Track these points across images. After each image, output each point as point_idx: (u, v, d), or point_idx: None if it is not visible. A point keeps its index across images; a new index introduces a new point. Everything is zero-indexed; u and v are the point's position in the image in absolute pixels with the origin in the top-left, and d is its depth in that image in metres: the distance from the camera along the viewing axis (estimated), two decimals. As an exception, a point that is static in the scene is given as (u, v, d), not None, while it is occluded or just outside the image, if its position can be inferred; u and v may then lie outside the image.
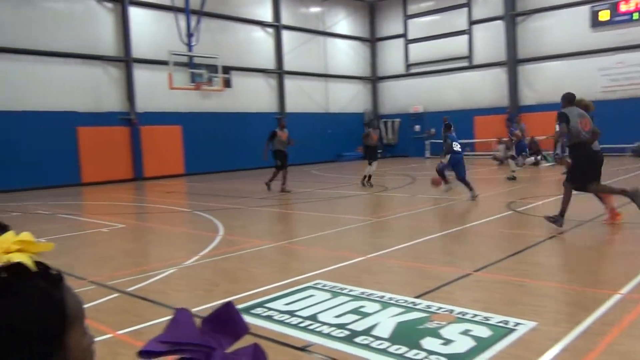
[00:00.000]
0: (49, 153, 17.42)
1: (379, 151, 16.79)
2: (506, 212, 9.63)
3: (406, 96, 28.92)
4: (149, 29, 20.27)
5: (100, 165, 18.73)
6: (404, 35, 28.86)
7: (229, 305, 0.70)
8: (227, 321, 0.69)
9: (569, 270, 5.65)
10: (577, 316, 4.14)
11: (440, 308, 4.44)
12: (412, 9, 28.49)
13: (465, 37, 26.49)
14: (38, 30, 17.41)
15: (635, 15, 21.57)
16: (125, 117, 19.59)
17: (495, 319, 4.13)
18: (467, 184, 11.15)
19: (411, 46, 28.67)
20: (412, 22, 28.59)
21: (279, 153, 14.53)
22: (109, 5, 19.33)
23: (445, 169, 11.75)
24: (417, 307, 4.52)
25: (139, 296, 5.25)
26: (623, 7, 21.81)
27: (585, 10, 22.69)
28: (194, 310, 4.62)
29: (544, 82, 24.03)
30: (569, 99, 7.95)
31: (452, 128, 11.89)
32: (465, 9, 26.42)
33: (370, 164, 14.63)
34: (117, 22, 19.51)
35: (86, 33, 18.64)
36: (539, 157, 19.85)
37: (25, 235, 0.75)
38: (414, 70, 28.75)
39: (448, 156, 11.48)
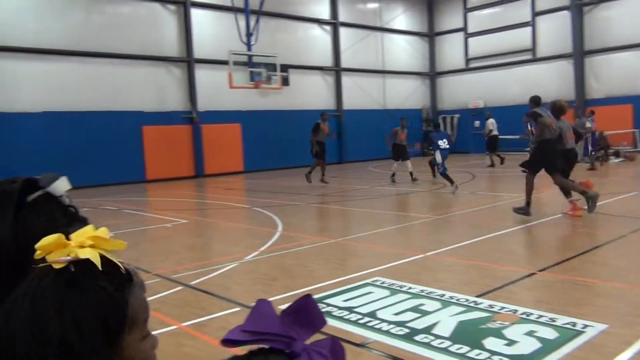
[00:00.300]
0: (116, 151, 18.19)
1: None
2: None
3: (466, 91, 28.28)
4: (210, 30, 20.77)
5: (163, 163, 19.37)
6: (463, 29, 28.23)
7: (307, 298, 0.71)
8: (305, 313, 0.70)
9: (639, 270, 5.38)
10: (651, 319, 3.93)
11: (503, 308, 4.33)
12: (472, 1, 27.81)
13: (528, 29, 25.61)
14: (106, 35, 18.19)
15: None
16: (188, 116, 20.18)
17: (562, 320, 3.98)
18: (447, 177, 12.16)
19: (471, 40, 28.00)
20: (472, 15, 27.91)
21: (320, 145, 14.88)
22: (172, 7, 19.95)
23: (442, 168, 12.49)
24: (478, 306, 4.42)
25: (201, 289, 5.40)
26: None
27: (658, -3, 21.46)
28: (253, 304, 4.71)
29: (613, 74, 22.90)
30: (535, 101, 8.99)
31: (439, 127, 14.82)
32: (528, 0, 25.54)
33: (397, 160, 15.14)
34: (180, 24, 20.10)
35: (151, 35, 19.32)
36: (609, 152, 18.97)
37: (102, 232, 0.76)
38: (473, 64, 28.07)
39: (438, 152, 12.52)
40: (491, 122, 19.73)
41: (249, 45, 19.45)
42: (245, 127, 21.57)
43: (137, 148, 18.90)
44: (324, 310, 4.52)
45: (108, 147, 18.01)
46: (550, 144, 8.46)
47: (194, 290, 5.41)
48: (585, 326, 3.85)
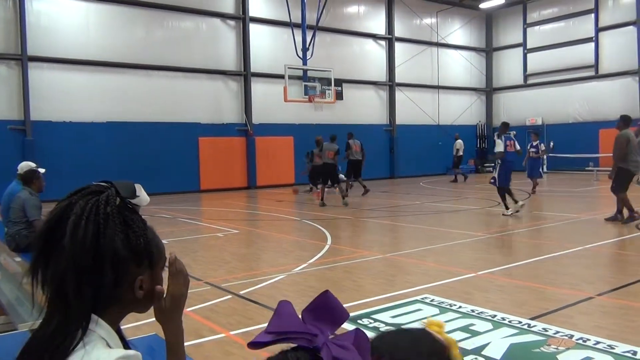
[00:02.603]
0: (174, 161, 18.76)
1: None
2: (635, 234, 8.82)
3: (523, 108, 27.60)
4: (267, 44, 21.19)
5: (217, 174, 19.80)
6: (522, 45, 27.63)
7: (326, 294, 0.72)
8: (326, 309, 0.72)
9: None
10: None
11: (558, 332, 4.16)
12: (533, 17, 27.21)
13: (591, 45, 24.79)
14: (168, 48, 18.88)
15: None
16: (242, 128, 20.58)
17: (622, 348, 3.79)
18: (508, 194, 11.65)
19: (530, 55, 27.35)
20: (531, 31, 27.29)
21: (354, 163, 14.87)
22: (232, 22, 20.49)
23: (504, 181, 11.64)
24: (532, 329, 4.26)
25: (250, 299, 5.45)
26: None
27: None
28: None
29: (683, 92, 21.82)
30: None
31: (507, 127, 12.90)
32: (591, 15, 24.75)
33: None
34: (238, 38, 20.61)
35: (210, 49, 19.90)
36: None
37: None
38: (532, 80, 27.38)
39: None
40: (459, 143, 21.57)
41: (304, 60, 19.70)
42: (297, 140, 21.78)
43: (193, 159, 19.41)
44: (371, 325, 4.48)
45: (166, 157, 18.59)
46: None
47: (243, 300, 5.47)
48: (647, 356, 3.65)
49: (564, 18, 25.80)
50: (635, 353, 3.69)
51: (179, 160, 18.94)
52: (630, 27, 23.20)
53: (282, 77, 18.88)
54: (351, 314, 4.75)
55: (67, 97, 17.08)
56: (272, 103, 20.66)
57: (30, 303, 1.15)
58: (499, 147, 11.25)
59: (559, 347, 3.84)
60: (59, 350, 0.92)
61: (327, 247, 8.29)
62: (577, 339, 3.99)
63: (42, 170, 4.93)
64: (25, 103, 16.34)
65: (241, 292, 5.69)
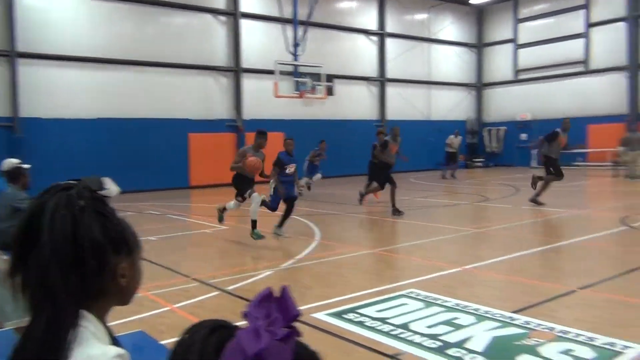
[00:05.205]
0: (163, 157, 18.69)
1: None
2: (619, 228, 8.92)
3: (513, 103, 27.72)
4: (258, 40, 21.13)
5: (207, 170, 19.76)
6: (513, 40, 27.73)
7: (283, 289, 0.74)
8: (276, 303, 0.74)
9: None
10: (697, 344, 3.75)
11: (540, 325, 4.22)
12: (524, 12, 27.28)
13: (581, 41, 24.90)
14: (158, 44, 18.79)
15: None
16: (233, 124, 20.55)
17: (601, 340, 3.85)
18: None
19: (521, 51, 27.45)
20: (522, 26, 27.38)
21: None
22: (223, 18, 20.42)
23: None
24: (514, 322, 4.33)
25: (237, 295, 5.48)
26: None
27: None
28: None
29: (671, 88, 22.00)
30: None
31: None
32: (582, 11, 24.86)
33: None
34: (229, 34, 20.54)
35: (201, 45, 19.82)
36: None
37: None
38: (522, 76, 27.50)
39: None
40: (450, 139, 21.75)
41: (295, 56, 19.69)
42: (288, 135, 21.73)
43: (183, 155, 19.36)
44: (356, 320, 4.52)
45: (156, 153, 18.53)
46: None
47: (230, 296, 5.50)
48: (626, 347, 3.71)
49: (555, 14, 25.89)
50: (613, 345, 3.76)
51: (168, 157, 18.88)
52: (621, 24, 23.34)
53: (273, 72, 18.87)
54: (338, 308, 4.81)
55: (56, 94, 16.97)
56: (263, 99, 20.63)
57: (16, 302, 1.14)
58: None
59: (540, 340, 3.90)
60: (54, 348, 0.92)
61: (316, 242, 8.33)
62: (558, 332, 4.05)
63: (27, 166, 4.90)
64: (14, 100, 16.22)
65: (229, 288, 5.72)
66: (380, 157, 11.75)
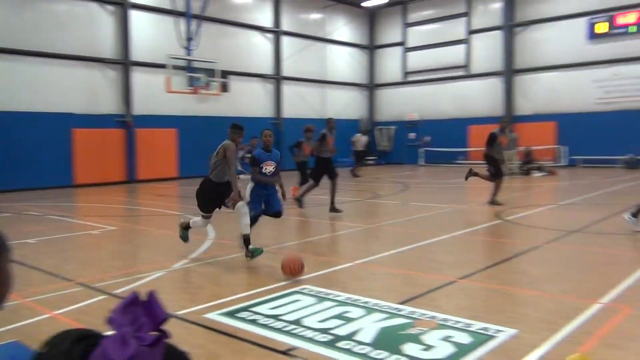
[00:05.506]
0: (43, 154, 17.42)
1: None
2: (495, 221, 9.68)
3: (402, 104, 29.04)
4: (149, 33, 20.32)
5: (93, 167, 18.73)
6: (402, 43, 29.00)
7: (150, 293, 0.74)
8: (142, 308, 0.73)
9: (553, 279, 5.69)
10: (557, 324, 4.17)
11: (424, 314, 4.48)
12: (412, 17, 28.63)
13: (463, 47, 26.64)
14: (39, 32, 17.45)
15: (632, 29, 21.73)
16: (121, 120, 19.61)
17: (476, 325, 4.17)
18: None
19: (409, 54, 28.80)
20: (411, 31, 28.72)
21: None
22: (110, 8, 19.39)
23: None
24: (400, 313, 4.55)
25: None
26: (620, 20, 21.97)
27: (582, 22, 22.84)
28: (178, 313, 4.65)
29: (540, 93, 24.18)
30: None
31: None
32: (464, 19, 26.57)
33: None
34: (118, 25, 19.56)
35: (87, 35, 18.69)
36: (534, 167, 20.05)
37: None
38: (411, 78, 28.87)
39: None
40: (356, 137, 22.82)
41: (188, 50, 19.19)
42: (181, 132, 21.19)
43: (66, 151, 18.16)
44: (249, 318, 4.52)
45: (34, 150, 17.22)
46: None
47: (118, 300, 5.27)
48: (498, 331, 4.05)
49: (440, 20, 27.45)
50: (487, 329, 4.09)
51: (49, 153, 17.62)
52: (498, 32, 25.25)
53: (164, 67, 18.27)
54: (231, 308, 4.77)
55: None
56: (155, 94, 19.90)
57: None
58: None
59: (423, 329, 4.14)
60: None
61: (210, 242, 8.21)
62: (439, 320, 4.33)
63: None
64: None
65: (116, 292, 5.48)
66: (319, 151, 11.53)
